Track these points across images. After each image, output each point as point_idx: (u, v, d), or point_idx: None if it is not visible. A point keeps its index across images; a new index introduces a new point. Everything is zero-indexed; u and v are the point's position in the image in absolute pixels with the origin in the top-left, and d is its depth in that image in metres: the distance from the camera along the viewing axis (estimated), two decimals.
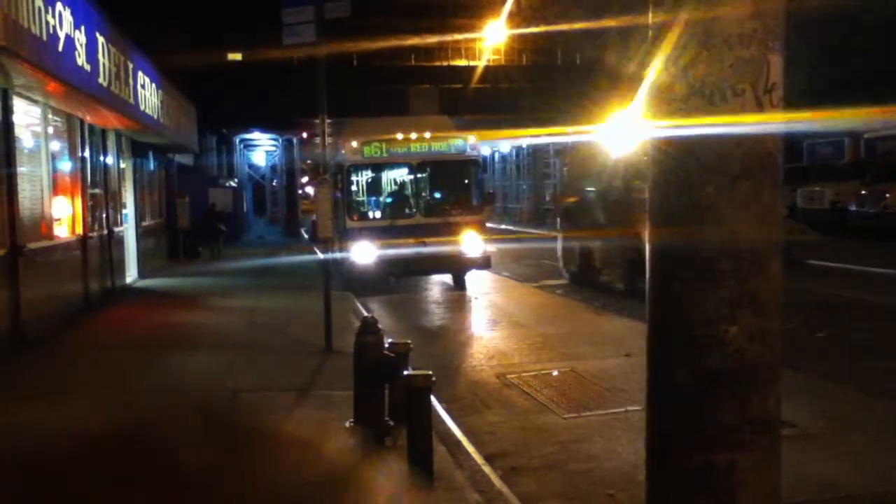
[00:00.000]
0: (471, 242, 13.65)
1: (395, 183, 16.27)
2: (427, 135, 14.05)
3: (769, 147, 2.14)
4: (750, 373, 2.21)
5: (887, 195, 19.89)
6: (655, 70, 2.29)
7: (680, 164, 2.20)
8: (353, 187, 14.96)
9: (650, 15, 2.30)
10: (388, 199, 15.58)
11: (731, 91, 2.10)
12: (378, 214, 14.72)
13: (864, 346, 8.42)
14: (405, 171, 14.97)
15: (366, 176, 15.99)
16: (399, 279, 14.40)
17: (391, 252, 13.33)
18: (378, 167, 15.24)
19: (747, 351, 2.18)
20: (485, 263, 14.02)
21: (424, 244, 13.39)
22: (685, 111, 2.16)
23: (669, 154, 2.24)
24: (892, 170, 20.94)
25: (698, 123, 2.14)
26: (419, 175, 14.32)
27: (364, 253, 13.43)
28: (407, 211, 14.44)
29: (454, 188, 14.83)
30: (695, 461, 2.26)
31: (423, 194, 14.58)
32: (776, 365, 2.30)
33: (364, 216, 14.54)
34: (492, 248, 14.76)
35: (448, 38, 30.95)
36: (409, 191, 15.09)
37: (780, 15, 2.13)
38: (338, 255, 13.82)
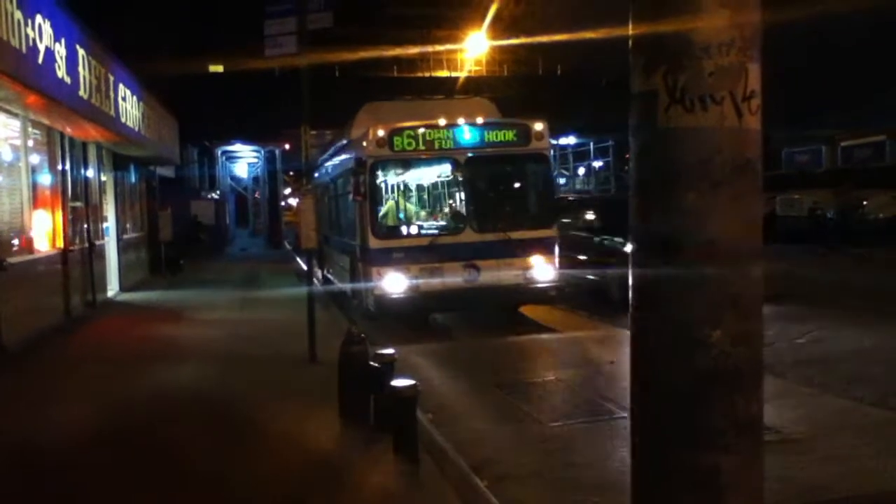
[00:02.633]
0: (539, 267, 10.48)
1: (436, 186, 12.98)
2: (479, 120, 10.73)
3: (748, 153, 2.18)
4: (734, 375, 2.24)
5: (865, 202, 20.17)
6: (637, 78, 2.32)
7: (661, 170, 2.23)
8: (379, 192, 11.23)
9: (630, 24, 2.34)
10: (427, 209, 12.67)
11: (710, 99, 2.13)
12: (413, 229, 11.27)
13: (844, 351, 8.51)
14: (449, 169, 11.47)
15: (395, 176, 12.25)
16: (439, 316, 11.35)
17: (431, 281, 10.17)
18: (412, 164, 11.33)
19: (731, 354, 2.21)
20: (556, 296, 10.83)
21: (476, 270, 10.23)
22: (666, 118, 2.20)
23: (651, 160, 2.27)
24: (870, 177, 21.25)
25: (679, 130, 2.17)
26: (468, 175, 10.75)
27: (394, 282, 10.18)
28: (453, 224, 11.13)
29: (516, 193, 11.50)
30: (679, 464, 2.28)
31: (474, 201, 10.84)
32: (759, 368, 2.33)
33: (394, 232, 10.97)
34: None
35: (430, 49, 31.08)
36: (454, 197, 11.90)
37: (756, 24, 2.17)
38: (357, 284, 11.34)
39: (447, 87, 30.65)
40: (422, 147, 10.47)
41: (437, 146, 10.52)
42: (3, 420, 6.20)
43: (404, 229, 11.26)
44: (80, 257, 12.31)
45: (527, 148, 10.73)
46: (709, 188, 2.15)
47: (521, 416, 6.47)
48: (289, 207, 40.42)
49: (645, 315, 2.33)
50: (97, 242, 13.55)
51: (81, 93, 10.41)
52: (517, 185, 11.51)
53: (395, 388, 5.13)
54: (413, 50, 30.18)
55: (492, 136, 10.69)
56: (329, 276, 16.17)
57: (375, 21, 28.63)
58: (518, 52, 31.54)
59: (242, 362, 8.43)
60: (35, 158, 10.76)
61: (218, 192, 32.06)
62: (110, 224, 15.45)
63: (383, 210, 11.26)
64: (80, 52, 10.38)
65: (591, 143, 38.70)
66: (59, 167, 11.57)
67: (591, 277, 13.02)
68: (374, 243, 10.39)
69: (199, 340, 9.99)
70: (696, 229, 2.17)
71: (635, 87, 2.34)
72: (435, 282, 10.19)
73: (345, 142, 12.89)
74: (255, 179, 44.21)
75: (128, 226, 17.35)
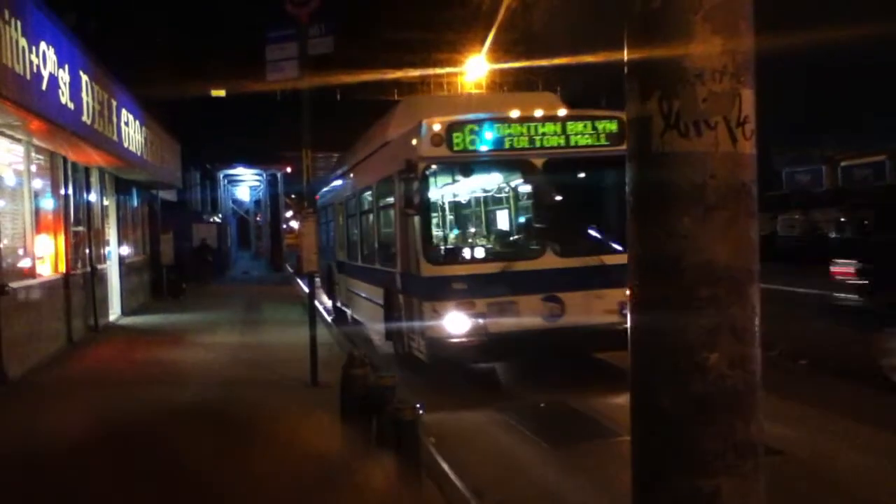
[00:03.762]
0: None
1: (506, 197, 10.33)
2: (562, 112, 8.47)
3: (743, 177, 2.20)
4: (732, 398, 2.25)
5: (866, 222, 20.21)
6: (633, 103, 2.36)
7: (657, 194, 2.25)
8: (433, 204, 9.13)
9: (625, 50, 2.38)
10: (495, 227, 10.38)
11: (705, 124, 2.16)
12: (478, 253, 8.98)
13: (845, 371, 8.49)
14: (523, 175, 9.08)
15: (454, 184, 9.89)
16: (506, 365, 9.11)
17: (502, 320, 7.97)
18: (475, 169, 9.05)
19: (728, 377, 2.22)
20: None
21: (559, 305, 8.06)
22: (661, 143, 2.23)
23: (646, 185, 2.30)
24: (870, 197, 21.33)
25: (674, 155, 2.20)
26: (548, 183, 8.48)
27: (455, 322, 7.97)
28: (528, 247, 8.81)
29: (609, 205, 8.89)
30: (680, 487, 2.28)
31: (556, 217, 8.57)
32: (758, 390, 2.34)
33: (453, 256, 8.83)
34: None
35: (430, 72, 31.31)
36: (530, 211, 9.19)
37: (749, 51, 2.21)
38: (396, 322, 9.24)
39: None
40: (489, 146, 8.17)
41: (507, 145, 8.19)
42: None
43: (467, 253, 8.97)
44: (82, 281, 12.33)
45: (622, 148, 7.04)
46: (704, 212, 2.17)
47: None
48: (290, 230, 40.54)
49: (642, 339, 2.34)
50: (99, 266, 13.58)
51: (84, 118, 10.50)
52: (610, 195, 8.77)
53: (396, 409, 5.12)
54: (413, 73, 30.41)
55: (578, 133, 8.27)
56: (345, 308, 14.13)
57: (376, 45, 28.88)
58: (518, 75, 31.78)
59: (243, 386, 8.43)
60: (38, 183, 10.83)
61: (220, 215, 32.17)
62: (112, 248, 15.49)
63: (439, 228, 9.28)
64: (84, 77, 10.48)
65: None
66: (62, 191, 11.64)
67: None
68: (427, 270, 8.14)
69: (200, 364, 9.98)
70: (691, 253, 2.19)
71: (631, 113, 2.37)
72: (506, 321, 7.94)
73: (378, 145, 10.63)
74: (257, 202, 44.41)
75: (130, 249, 17.39)
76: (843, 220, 21.04)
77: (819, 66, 24.16)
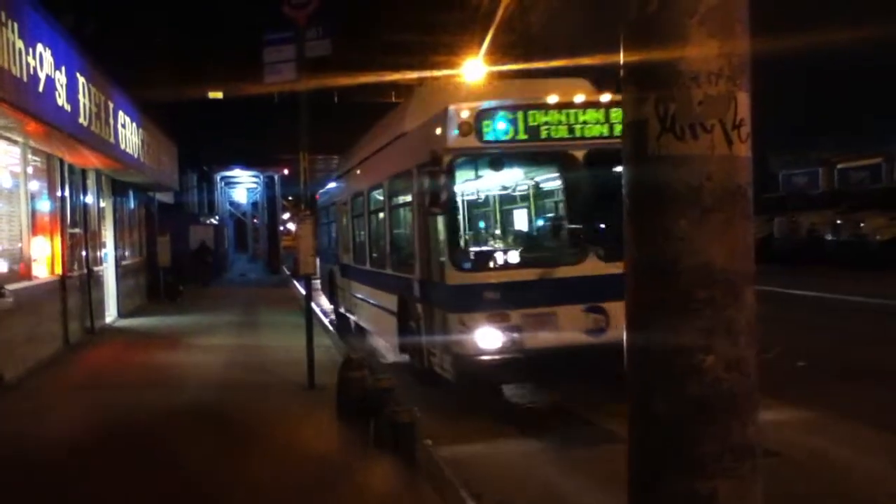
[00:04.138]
0: None
1: (543, 194, 9.38)
2: (606, 97, 7.48)
3: (739, 180, 2.21)
4: (728, 401, 2.25)
5: (862, 224, 20.25)
6: (629, 107, 2.37)
7: (653, 197, 2.26)
8: (460, 202, 8.36)
9: (621, 53, 2.38)
10: (530, 228, 9.25)
11: (700, 127, 2.17)
12: (511, 258, 7.98)
13: (845, 373, 8.51)
14: (559, 170, 8.23)
15: (483, 180, 8.91)
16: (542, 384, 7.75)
17: (539, 334, 7.06)
18: (508, 161, 7.88)
19: (725, 380, 2.22)
20: None
21: (604, 316, 7.17)
22: (657, 146, 2.23)
23: (643, 187, 2.31)
24: (866, 199, 21.37)
25: (670, 157, 2.21)
26: (590, 178, 7.54)
27: (486, 336, 7.01)
28: (568, 251, 7.77)
29: None
30: (677, 490, 2.28)
31: (600, 217, 7.64)
32: (754, 392, 2.34)
33: (484, 261, 7.84)
34: None
35: (427, 74, 31.35)
36: (571, 211, 8.04)
37: (745, 54, 2.22)
38: (415, 336, 8.37)
39: None
40: (523, 136, 7.22)
41: (544, 135, 7.24)
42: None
43: (499, 258, 7.98)
44: (79, 283, 12.31)
45: None
46: (700, 214, 2.18)
47: None
48: (288, 233, 40.54)
49: (639, 342, 2.35)
50: (96, 268, 13.56)
51: (81, 120, 10.49)
52: None
53: (393, 412, 5.13)
54: (411, 75, 30.46)
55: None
56: (349, 315, 13.26)
57: (373, 47, 28.92)
58: (515, 78, 31.82)
59: (240, 389, 8.42)
60: (34, 185, 10.81)
61: (217, 217, 32.15)
62: (109, 250, 15.47)
63: (467, 229, 8.35)
64: (81, 79, 10.47)
65: None
66: (59, 194, 11.62)
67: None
68: (453, 277, 7.21)
69: (197, 367, 9.97)
70: (688, 255, 2.19)
71: (628, 116, 2.38)
72: (544, 336, 7.05)
73: (392, 137, 9.63)
74: (254, 205, 44.40)
75: (126, 252, 17.37)
76: (839, 222, 21.06)
77: (818, 69, 24.23)
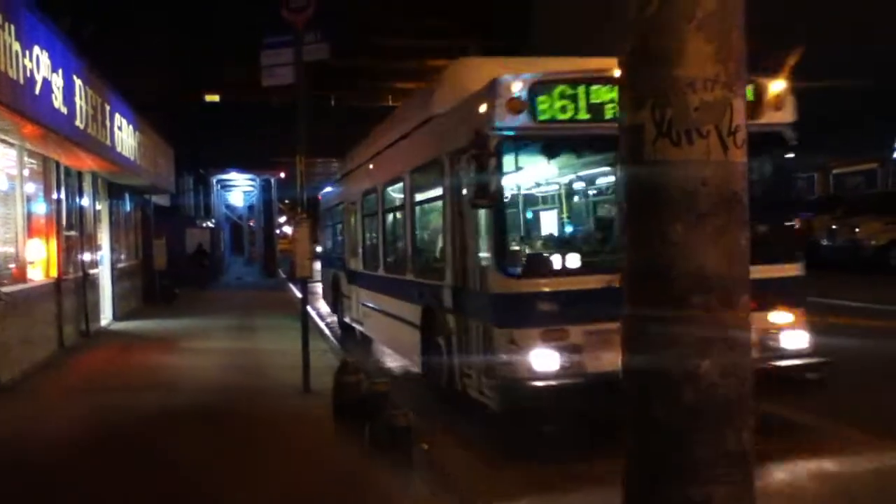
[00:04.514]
0: (779, 329, 6.23)
1: (605, 187, 8.00)
2: None
3: (734, 186, 2.22)
4: (723, 407, 2.26)
5: (857, 229, 20.31)
6: (626, 112, 2.37)
7: (650, 202, 2.26)
8: (509, 193, 7.05)
9: (619, 58, 2.39)
10: (594, 228, 7.87)
11: (696, 133, 2.18)
12: (570, 262, 6.34)
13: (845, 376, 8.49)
14: None
15: (538, 167, 7.24)
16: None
17: (603, 355, 5.63)
18: (566, 146, 6.66)
19: (720, 385, 2.23)
20: (815, 379, 6.25)
21: None
22: (654, 151, 2.24)
23: (639, 192, 2.31)
24: (862, 204, 21.44)
25: (666, 163, 2.21)
26: None
27: (543, 357, 5.79)
28: None
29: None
30: (672, 496, 2.28)
31: None
32: (749, 399, 2.34)
33: (539, 266, 6.31)
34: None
35: (424, 80, 31.40)
36: None
37: (741, 60, 2.22)
38: (446, 356, 7.11)
39: None
40: (585, 116, 5.99)
41: (609, 115, 5.93)
42: None
43: (556, 262, 6.36)
44: (74, 286, 12.28)
45: (755, 122, 5.32)
46: (695, 220, 2.19)
47: None
48: (284, 236, 40.48)
49: (635, 347, 2.35)
50: (91, 271, 13.52)
51: (78, 122, 10.47)
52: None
53: (389, 416, 5.13)
54: (408, 80, 30.50)
55: None
56: (356, 325, 12.08)
57: (371, 52, 28.94)
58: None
59: (236, 392, 8.39)
60: (30, 188, 10.78)
61: (213, 220, 32.12)
62: (104, 253, 15.43)
63: (516, 227, 7.33)
64: (77, 82, 10.45)
65: None
66: (55, 196, 11.60)
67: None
68: (499, 284, 5.98)
69: (193, 370, 9.94)
70: (683, 260, 2.20)
71: (624, 121, 2.38)
72: (609, 357, 5.31)
73: (415, 124, 8.47)
74: (251, 208, 44.35)
75: (122, 254, 17.33)
76: (834, 227, 21.12)
77: (817, 72, 24.25)
